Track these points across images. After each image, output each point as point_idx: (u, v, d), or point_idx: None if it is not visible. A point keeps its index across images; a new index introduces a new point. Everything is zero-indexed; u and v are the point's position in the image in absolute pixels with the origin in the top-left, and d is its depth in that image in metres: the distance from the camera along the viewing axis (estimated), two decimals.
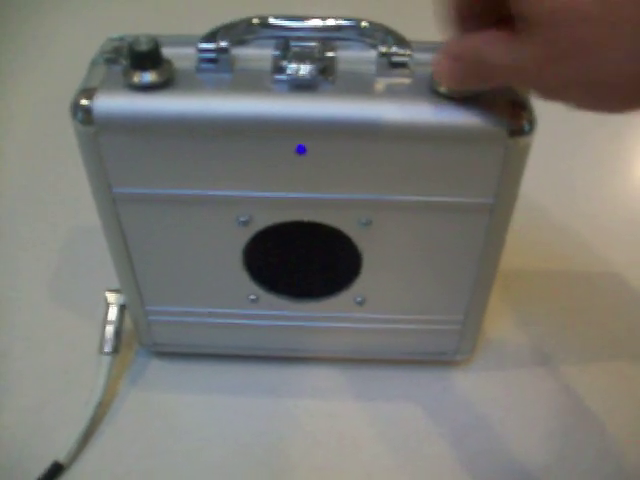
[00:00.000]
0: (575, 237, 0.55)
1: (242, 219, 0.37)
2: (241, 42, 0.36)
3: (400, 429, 0.43)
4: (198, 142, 0.34)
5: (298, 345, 0.44)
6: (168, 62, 0.34)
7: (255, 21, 0.35)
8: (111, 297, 0.44)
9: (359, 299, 0.41)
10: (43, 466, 0.40)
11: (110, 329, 0.44)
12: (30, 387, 0.45)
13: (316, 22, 0.36)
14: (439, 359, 0.45)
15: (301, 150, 0.34)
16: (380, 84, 0.34)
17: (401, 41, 0.34)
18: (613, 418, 0.43)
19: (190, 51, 0.35)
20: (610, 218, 0.56)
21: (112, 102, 0.34)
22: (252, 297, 0.41)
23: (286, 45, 0.35)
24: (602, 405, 0.44)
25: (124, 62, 0.35)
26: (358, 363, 0.46)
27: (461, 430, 0.43)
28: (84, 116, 0.34)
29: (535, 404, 0.44)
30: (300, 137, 0.34)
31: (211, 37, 0.34)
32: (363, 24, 0.35)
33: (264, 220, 0.37)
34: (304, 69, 0.34)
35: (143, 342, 0.45)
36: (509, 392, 0.44)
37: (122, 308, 0.44)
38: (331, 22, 0.36)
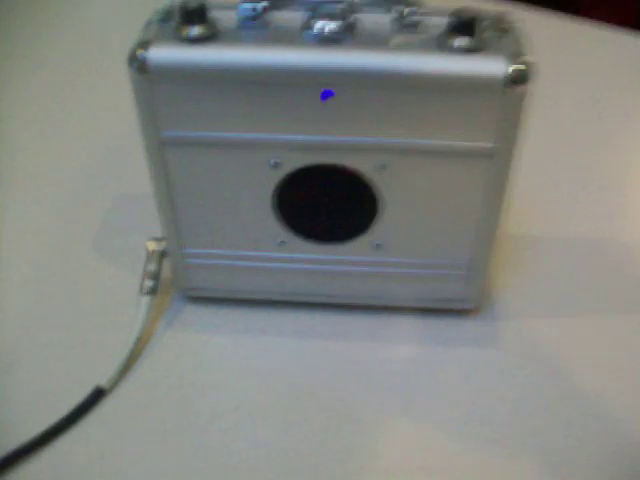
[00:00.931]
0: (579, 205, 0.59)
1: (273, 162, 0.42)
2: (276, 8, 0.42)
3: (411, 366, 0.47)
4: (237, 88, 0.40)
5: (320, 289, 0.49)
6: (213, 20, 0.40)
7: None
8: (151, 245, 0.49)
9: (376, 242, 0.45)
10: (87, 391, 0.45)
11: (150, 271, 0.49)
12: (75, 325, 0.49)
13: None
14: (449, 306, 0.49)
15: (326, 96, 0.39)
16: (395, 40, 0.40)
17: (413, 5, 0.40)
18: (613, 360, 0.47)
19: (232, 14, 0.41)
20: (612, 189, 0.61)
21: (164, 52, 0.39)
22: (280, 240, 0.46)
23: (315, 9, 0.41)
24: (600, 350, 0.48)
25: (175, 20, 0.41)
26: (374, 310, 0.50)
27: (467, 368, 0.47)
28: (140, 65, 0.39)
29: (536, 347, 0.48)
30: (325, 84, 0.39)
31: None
32: None
33: (292, 163, 0.42)
34: (330, 26, 0.39)
35: (179, 286, 0.50)
36: (513, 337, 0.48)
37: (161, 254, 0.49)
38: None
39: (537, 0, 0.89)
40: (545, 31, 0.81)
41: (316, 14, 0.40)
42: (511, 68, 0.38)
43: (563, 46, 0.82)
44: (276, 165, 0.42)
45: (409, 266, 0.47)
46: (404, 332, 0.49)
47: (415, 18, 0.40)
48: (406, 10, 0.40)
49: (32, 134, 0.68)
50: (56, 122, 0.70)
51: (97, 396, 0.45)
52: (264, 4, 0.40)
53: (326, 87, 0.39)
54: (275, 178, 0.43)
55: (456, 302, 0.49)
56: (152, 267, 0.49)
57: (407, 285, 0.48)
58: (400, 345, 0.48)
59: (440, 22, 0.40)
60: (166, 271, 0.50)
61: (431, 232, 0.45)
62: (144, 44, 0.40)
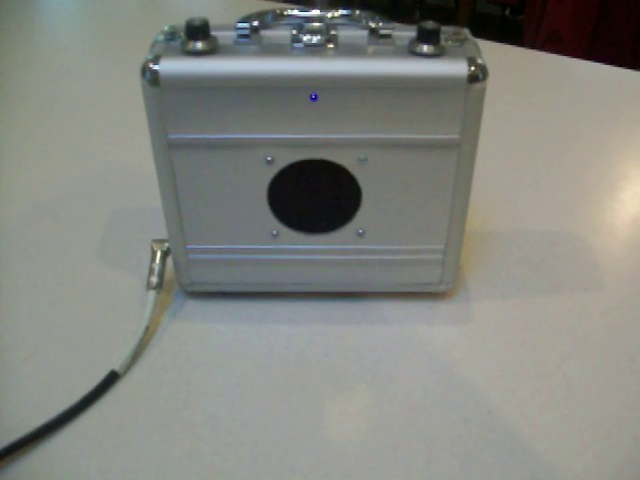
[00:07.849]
0: (531, 205, 0.66)
1: (268, 158, 0.48)
2: (267, 27, 0.48)
3: (394, 344, 0.52)
4: (236, 94, 0.46)
5: (310, 279, 0.54)
6: (214, 36, 0.46)
7: (278, 11, 0.48)
8: (156, 245, 0.54)
9: (360, 231, 0.51)
10: (102, 375, 0.49)
11: (155, 269, 0.53)
12: (88, 320, 0.54)
13: (322, 12, 0.48)
14: (426, 290, 0.55)
15: (313, 98, 0.46)
16: (371, 49, 0.46)
17: (386, 20, 0.47)
18: (573, 333, 0.53)
19: (230, 32, 0.47)
20: (561, 190, 0.68)
21: (172, 64, 0.45)
22: (274, 232, 0.51)
23: (301, 26, 0.47)
24: (558, 323, 0.54)
25: (180, 37, 0.47)
26: (359, 297, 0.55)
27: (445, 342, 0.52)
28: (151, 76, 0.45)
29: (504, 323, 0.54)
30: (312, 87, 0.45)
31: (246, 19, 0.47)
32: (357, 12, 0.48)
33: (284, 159, 0.48)
34: (315, 39, 0.46)
35: (182, 282, 0.55)
36: (485, 316, 0.54)
37: (165, 254, 0.54)
38: (333, 12, 0.48)
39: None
40: (498, 58, 0.90)
41: (302, 31, 0.47)
42: (471, 68, 0.45)
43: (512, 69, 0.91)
44: (270, 161, 0.48)
45: (390, 252, 0.52)
46: (387, 314, 0.54)
47: (387, 31, 0.47)
48: (379, 24, 0.47)
49: (32, 150, 0.74)
50: (56, 141, 0.76)
51: (112, 379, 0.49)
52: (256, 23, 0.47)
53: (313, 90, 0.45)
54: (270, 174, 0.49)
55: (434, 285, 0.54)
56: (157, 265, 0.54)
57: (389, 271, 0.53)
58: (384, 325, 0.53)
59: (408, 34, 0.47)
60: (168, 273, 0.55)
61: (409, 219, 0.51)
62: (155, 58, 0.46)
